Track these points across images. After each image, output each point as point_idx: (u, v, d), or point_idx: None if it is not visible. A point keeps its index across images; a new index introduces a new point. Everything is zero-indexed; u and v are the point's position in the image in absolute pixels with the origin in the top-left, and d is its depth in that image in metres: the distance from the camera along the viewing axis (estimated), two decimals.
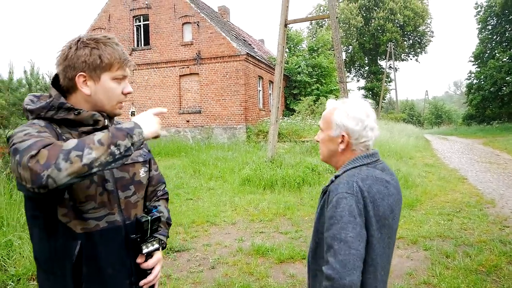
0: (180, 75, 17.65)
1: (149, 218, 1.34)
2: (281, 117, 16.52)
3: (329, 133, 1.48)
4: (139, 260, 1.35)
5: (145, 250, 1.33)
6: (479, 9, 35.79)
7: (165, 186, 1.68)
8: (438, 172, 10.38)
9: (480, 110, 35.66)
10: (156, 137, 1.25)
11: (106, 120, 1.33)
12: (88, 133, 1.28)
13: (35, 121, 1.23)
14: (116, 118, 1.49)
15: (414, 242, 4.83)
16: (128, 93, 1.35)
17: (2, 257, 3.96)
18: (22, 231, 4.58)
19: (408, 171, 9.54)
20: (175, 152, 14.42)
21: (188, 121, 17.51)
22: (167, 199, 1.66)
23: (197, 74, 17.31)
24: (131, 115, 18.55)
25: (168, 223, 1.57)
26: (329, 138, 1.48)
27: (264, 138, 15.50)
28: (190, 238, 5.20)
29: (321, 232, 1.37)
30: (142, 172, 1.45)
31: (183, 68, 17.55)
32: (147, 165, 1.52)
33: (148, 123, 1.21)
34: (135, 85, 18.45)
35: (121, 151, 1.10)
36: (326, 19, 42.02)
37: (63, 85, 1.29)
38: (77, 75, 1.25)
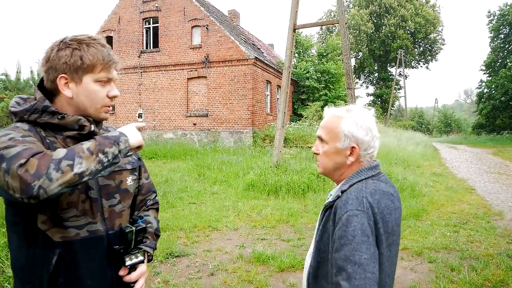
0: (188, 78, 17.70)
1: (134, 228, 1.28)
2: (288, 122, 16.47)
3: (336, 145, 1.35)
4: (121, 272, 1.29)
5: (128, 262, 1.27)
6: (491, 17, 35.50)
7: (156, 196, 1.62)
8: (446, 181, 10.22)
9: (490, 119, 35.24)
10: (139, 147, 1.25)
11: (92, 126, 1.28)
12: (73, 137, 1.25)
13: (18, 124, 1.19)
14: (104, 124, 1.45)
15: (419, 254, 4.72)
16: (114, 96, 1.29)
17: (0, 258, 3.95)
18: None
19: (415, 180, 9.40)
20: (180, 155, 14.43)
21: (195, 124, 17.53)
22: (157, 209, 1.60)
23: (205, 77, 17.34)
24: (139, 117, 18.65)
25: (157, 234, 1.51)
26: (336, 151, 1.36)
27: (270, 143, 15.44)
28: (191, 243, 5.15)
29: (324, 251, 1.29)
30: (129, 180, 1.40)
31: (191, 71, 17.60)
32: (136, 173, 1.46)
33: (132, 133, 1.22)
34: (143, 87, 18.56)
35: (109, 159, 1.10)
36: (337, 25, 42.04)
37: (47, 87, 1.26)
38: (58, 77, 1.22)
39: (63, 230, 1.19)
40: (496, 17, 35.03)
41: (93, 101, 1.26)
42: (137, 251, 1.30)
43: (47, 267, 1.18)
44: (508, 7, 33.50)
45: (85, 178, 1.05)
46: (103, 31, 19.38)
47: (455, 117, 54.03)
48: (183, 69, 17.76)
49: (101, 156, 1.07)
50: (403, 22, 41.82)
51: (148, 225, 1.44)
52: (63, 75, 1.22)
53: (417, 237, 5.33)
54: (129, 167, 1.42)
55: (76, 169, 1.02)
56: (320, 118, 18.42)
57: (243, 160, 11.38)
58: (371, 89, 48.48)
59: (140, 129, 1.28)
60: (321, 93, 21.55)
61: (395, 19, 41.80)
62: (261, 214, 6.64)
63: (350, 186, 1.31)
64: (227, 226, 5.98)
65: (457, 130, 50.46)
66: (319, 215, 1.42)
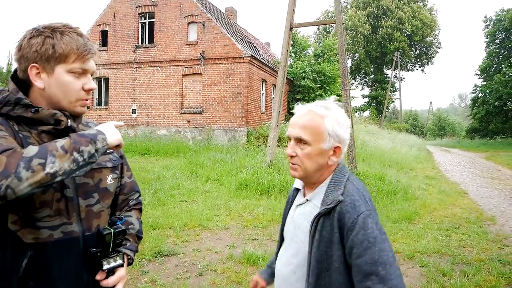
0: (183, 75, 17.56)
1: (112, 230, 1.19)
2: (283, 121, 16.36)
3: (320, 146, 1.27)
4: (98, 277, 1.21)
5: (106, 266, 1.19)
6: (488, 22, 35.75)
7: (139, 196, 1.53)
8: (439, 185, 10.22)
9: (484, 124, 35.54)
10: (118, 146, 1.19)
11: (69, 120, 1.19)
12: (48, 132, 1.17)
13: None
14: (85, 118, 1.36)
15: (411, 258, 4.67)
16: (90, 89, 1.20)
17: None
18: None
19: (408, 182, 9.39)
20: (173, 152, 14.31)
21: (189, 121, 17.40)
22: (140, 210, 1.51)
23: (200, 74, 17.21)
24: (132, 113, 18.48)
25: (138, 236, 1.42)
26: (320, 152, 1.27)
27: (264, 142, 15.36)
28: (180, 242, 5.07)
29: (322, 260, 1.21)
30: (109, 179, 1.31)
31: (187, 67, 17.46)
32: (117, 172, 1.38)
33: (111, 131, 1.16)
34: (137, 82, 18.38)
35: (84, 158, 1.04)
36: (334, 25, 42.05)
37: (21, 78, 1.17)
38: (29, 66, 1.13)
39: (35, 231, 1.11)
40: (492, 22, 35.32)
41: (66, 94, 1.17)
42: (115, 254, 1.21)
43: (16, 271, 1.10)
44: (504, 12, 33.76)
45: (58, 178, 0.99)
46: (98, 25, 19.15)
47: (449, 121, 54.44)
48: (178, 66, 17.61)
49: (76, 155, 1.01)
50: (400, 25, 41.95)
51: (129, 227, 1.36)
52: (34, 64, 1.13)
53: (409, 241, 5.29)
54: (109, 165, 1.33)
55: (48, 168, 0.95)
56: None
57: (236, 159, 11.30)
58: (367, 91, 48.58)
59: (119, 127, 1.22)
60: (317, 93, 21.50)
61: (392, 21, 41.91)
62: (252, 214, 6.57)
63: (344, 186, 1.27)
64: (218, 225, 5.90)
65: (450, 134, 50.81)
66: (304, 225, 1.31)
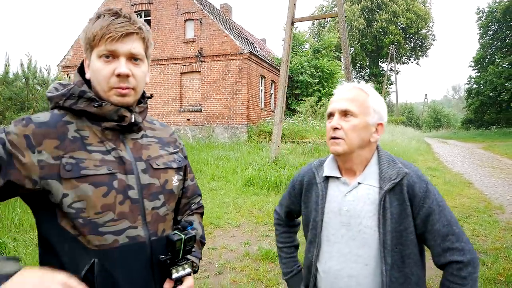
0: (181, 73, 17.44)
1: (183, 236, 1.10)
2: (283, 117, 16.34)
3: (366, 119, 1.28)
4: (166, 286, 1.11)
5: (175, 275, 1.10)
6: (480, 14, 35.91)
7: (201, 199, 1.45)
8: (443, 176, 10.26)
9: (479, 114, 35.84)
10: None
11: (133, 116, 1.12)
12: (112, 129, 1.11)
13: (18, 124, 1.01)
14: (149, 117, 1.29)
15: (426, 250, 4.67)
16: (119, 74, 1.05)
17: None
18: (17, 232, 4.42)
19: None
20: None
21: (188, 120, 17.31)
22: (201, 214, 1.43)
23: (199, 72, 17.11)
24: None
25: (202, 242, 1.33)
26: (365, 125, 1.28)
27: (265, 138, 15.33)
28: None
29: (394, 237, 1.23)
30: (175, 180, 1.21)
31: (185, 65, 17.34)
32: (181, 173, 1.28)
33: None
34: None
35: None
36: (329, 20, 42.04)
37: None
38: (84, 58, 1.10)
39: (99, 237, 1.02)
40: (485, 14, 35.46)
41: (99, 82, 1.07)
42: (184, 262, 1.13)
43: (79, 278, 1.01)
44: (497, 4, 33.91)
45: None
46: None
47: (445, 113, 54.68)
48: (176, 64, 17.48)
49: None
50: (395, 18, 42.04)
51: (195, 233, 1.28)
52: (85, 54, 1.10)
53: None
54: (174, 165, 1.23)
55: None
56: (314, 113, 18.32)
57: (240, 156, 11.26)
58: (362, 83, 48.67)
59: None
60: (315, 88, 21.49)
61: (387, 15, 41.98)
62: (262, 210, 6.55)
63: (398, 161, 1.32)
64: (229, 223, 5.87)
65: (446, 125, 51.09)
66: (365, 209, 1.27)
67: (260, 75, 18.74)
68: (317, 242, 1.37)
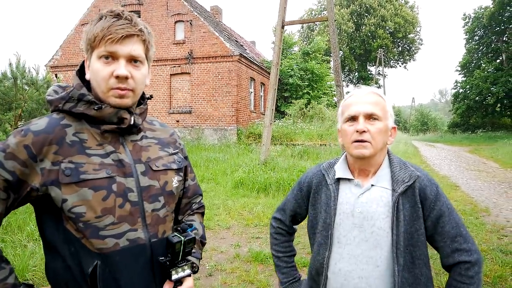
0: (171, 74, 17.36)
1: (183, 238, 1.11)
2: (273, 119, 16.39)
3: (387, 123, 1.33)
4: (166, 287, 1.13)
5: (174, 277, 1.11)
6: (467, 20, 36.61)
7: (202, 199, 1.45)
8: None
9: (465, 118, 36.49)
10: None
11: (132, 118, 1.12)
12: (111, 132, 1.10)
13: (11, 139, 1.01)
14: (150, 117, 1.29)
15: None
16: (118, 76, 1.05)
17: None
18: (5, 234, 4.35)
19: None
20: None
21: (178, 121, 17.23)
22: (202, 214, 1.43)
23: (189, 73, 17.06)
24: None
25: (202, 242, 1.34)
26: (386, 129, 1.33)
27: (255, 140, 15.35)
28: None
29: (406, 239, 1.26)
30: (175, 181, 1.22)
31: (175, 67, 17.27)
32: (181, 174, 1.28)
33: None
34: None
35: None
36: (318, 24, 42.37)
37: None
38: (85, 59, 1.10)
39: (100, 241, 1.03)
40: (471, 19, 36.17)
41: (98, 83, 1.06)
42: (184, 263, 1.13)
43: (83, 279, 1.04)
44: (483, 10, 34.63)
45: None
46: (82, 24, 18.74)
47: (431, 116, 55.50)
48: (166, 65, 17.40)
49: None
50: (383, 22, 42.61)
51: (195, 235, 1.28)
52: (86, 55, 1.10)
53: None
54: (174, 166, 1.23)
55: None
56: (303, 115, 18.41)
57: (229, 158, 11.25)
58: (351, 88, 49.13)
59: None
60: (304, 91, 21.62)
61: (375, 19, 42.53)
62: (252, 213, 6.54)
63: (407, 165, 1.36)
64: (219, 225, 5.85)
65: (433, 129, 51.85)
66: (379, 211, 1.29)
67: (250, 77, 18.77)
68: (329, 244, 1.37)
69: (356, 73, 48.67)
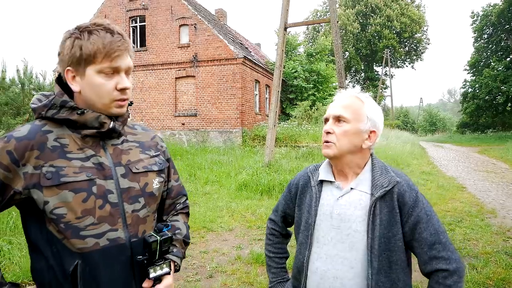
0: (176, 78, 17.47)
1: (159, 238, 1.15)
2: (277, 121, 16.40)
3: (358, 126, 1.32)
4: (145, 285, 1.17)
5: (152, 275, 1.15)
6: (475, 18, 36.17)
7: (186, 199, 1.48)
8: (437, 180, 10.29)
9: (475, 118, 35.98)
10: None
11: (112, 123, 1.16)
12: (92, 136, 1.15)
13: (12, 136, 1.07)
14: (131, 122, 1.33)
15: (413, 257, 4.68)
16: (123, 89, 1.14)
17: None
18: (12, 236, 4.42)
19: None
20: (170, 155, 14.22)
21: (183, 124, 17.31)
22: (187, 214, 1.46)
23: (194, 76, 17.14)
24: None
25: (185, 242, 1.37)
26: (356, 131, 1.32)
27: (260, 142, 15.35)
28: None
29: (382, 243, 1.25)
30: (155, 183, 1.26)
31: (179, 70, 17.37)
32: (163, 175, 1.33)
33: None
34: None
35: None
36: (323, 24, 42.29)
37: (65, 81, 1.15)
38: (65, 70, 1.11)
39: (80, 241, 1.08)
40: (479, 17, 35.73)
41: (99, 96, 1.12)
42: (162, 262, 1.18)
43: (65, 278, 1.08)
44: (491, 7, 34.22)
45: None
46: None
47: (440, 116, 54.94)
48: (171, 69, 17.51)
49: None
50: (389, 22, 42.36)
51: (176, 231, 1.33)
52: (68, 68, 1.11)
53: None
54: (155, 168, 1.28)
55: None
56: (309, 117, 18.36)
57: (234, 160, 11.27)
58: (358, 89, 48.90)
59: None
60: (310, 92, 21.57)
61: (381, 19, 42.31)
62: (255, 214, 6.55)
63: (389, 169, 1.35)
64: (222, 227, 5.87)
65: (442, 129, 51.33)
66: (356, 214, 1.31)
67: (255, 79, 18.80)
68: (308, 243, 1.40)
69: (363, 74, 48.43)
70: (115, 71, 1.12)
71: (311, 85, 21.75)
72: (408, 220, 1.27)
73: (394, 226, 1.26)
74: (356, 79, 49.86)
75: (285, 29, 9.64)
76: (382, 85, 44.12)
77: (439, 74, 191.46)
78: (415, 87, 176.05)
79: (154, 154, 1.31)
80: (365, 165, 1.38)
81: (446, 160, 16.15)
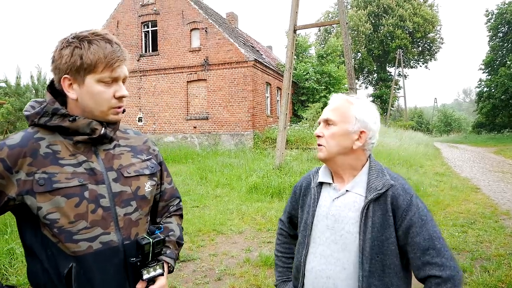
0: (187, 81, 17.64)
1: (151, 240, 1.18)
2: (288, 124, 16.41)
3: (346, 127, 1.34)
4: (139, 286, 1.20)
5: (146, 276, 1.18)
6: (490, 16, 35.50)
7: (180, 201, 1.52)
8: (450, 181, 10.14)
9: (491, 118, 35.23)
10: None
11: (103, 129, 1.20)
12: (83, 142, 1.18)
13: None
14: (123, 126, 1.37)
15: None
16: (121, 97, 1.18)
17: (3, 266, 3.88)
18: (19, 238, 4.51)
19: (419, 179, 9.34)
20: (181, 158, 14.35)
21: (195, 127, 17.45)
22: (180, 216, 1.50)
23: (205, 80, 17.28)
24: (139, 121, 18.56)
25: (179, 243, 1.40)
26: (344, 133, 1.34)
27: (271, 145, 15.36)
28: (196, 247, 5.07)
29: (375, 246, 1.26)
30: (147, 186, 1.29)
31: (191, 74, 17.54)
32: (155, 178, 1.36)
33: None
34: (142, 91, 18.48)
35: None
36: (335, 26, 42.10)
37: (58, 88, 1.19)
38: (62, 78, 1.14)
39: (74, 245, 1.11)
40: (494, 15, 35.06)
41: (98, 103, 1.16)
42: (155, 263, 1.21)
43: (60, 281, 1.11)
44: (506, 5, 33.55)
45: None
46: None
47: (455, 116, 53.96)
48: (182, 72, 17.69)
49: None
50: (402, 22, 41.90)
51: (169, 233, 1.36)
52: (66, 76, 1.14)
53: None
54: (147, 172, 1.31)
55: None
56: None
57: (244, 163, 11.30)
58: (371, 90, 48.50)
59: None
60: (321, 94, 21.48)
61: (394, 19, 41.87)
62: (265, 217, 6.56)
63: (385, 172, 1.35)
64: (231, 229, 5.89)
65: (457, 130, 50.40)
66: (350, 216, 1.32)
67: (266, 82, 18.83)
68: (306, 243, 1.43)
69: (375, 75, 47.97)
70: (114, 80, 1.16)
71: (323, 87, 21.68)
72: (401, 223, 1.26)
73: (387, 229, 1.26)
74: (369, 80, 49.41)
75: (295, 31, 9.65)
76: (395, 86, 43.60)
77: (454, 74, 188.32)
78: (430, 88, 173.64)
79: (146, 158, 1.34)
80: (362, 167, 1.39)
81: (460, 160, 15.88)
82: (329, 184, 1.44)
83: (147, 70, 18.36)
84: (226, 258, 4.67)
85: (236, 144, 16.49)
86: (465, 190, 8.86)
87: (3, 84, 11.05)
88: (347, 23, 9.07)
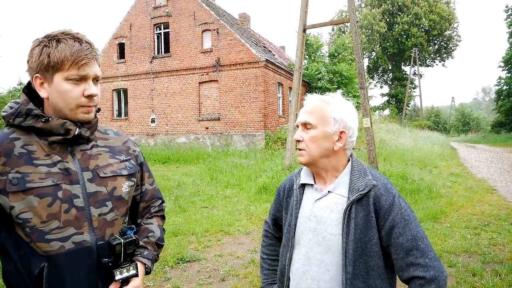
0: (199, 82, 17.75)
1: (123, 241, 1.17)
2: None
3: (325, 129, 1.31)
4: (112, 287, 1.18)
5: (118, 277, 1.16)
6: (509, 12, 34.54)
7: (162, 202, 1.51)
8: (465, 182, 9.89)
9: (510, 117, 34.25)
10: None
11: (77, 129, 1.19)
12: (58, 143, 1.18)
13: None
14: (104, 126, 1.36)
15: (438, 258, 4.51)
16: (91, 95, 1.17)
17: None
18: None
19: (432, 180, 9.13)
20: (193, 159, 14.44)
21: (207, 128, 17.54)
22: (162, 217, 1.49)
23: (217, 81, 17.35)
24: (151, 122, 18.77)
25: (158, 244, 1.38)
26: (324, 135, 1.31)
27: (282, 145, 15.31)
28: (202, 247, 5.07)
29: (358, 248, 1.23)
30: (124, 187, 1.28)
31: (203, 75, 17.63)
32: (134, 179, 1.35)
33: None
34: (155, 92, 18.68)
35: None
36: (348, 25, 41.69)
37: (34, 89, 1.20)
38: (34, 77, 1.16)
39: (46, 244, 1.11)
40: None
41: (66, 102, 1.16)
42: (128, 264, 1.19)
43: (31, 280, 1.11)
44: None
45: None
46: (115, 38, 19.62)
47: (473, 116, 52.75)
48: (194, 73, 17.81)
49: None
50: (417, 20, 41.16)
51: (149, 234, 1.35)
52: (36, 75, 1.15)
53: (436, 240, 5.12)
54: (124, 172, 1.30)
55: None
56: None
57: (255, 163, 11.28)
58: (386, 89, 47.85)
59: None
60: None
61: (409, 17, 41.18)
62: None
63: (368, 172, 1.32)
64: (239, 230, 5.88)
65: (475, 129, 49.25)
66: (332, 217, 1.30)
67: (278, 82, 18.79)
68: (290, 246, 1.41)
69: (390, 74, 47.30)
70: (83, 78, 1.15)
71: (335, 86, 21.51)
72: (384, 224, 1.24)
73: (370, 231, 1.24)
74: (384, 79, 48.74)
75: (304, 30, 9.59)
76: (410, 85, 42.90)
77: (472, 72, 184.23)
78: (447, 86, 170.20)
79: (124, 158, 1.34)
80: (344, 168, 1.36)
81: (477, 161, 15.49)
82: (311, 185, 1.41)
83: (160, 72, 18.55)
84: (232, 259, 4.66)
85: (247, 144, 16.49)
86: (481, 191, 8.63)
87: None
88: (357, 21, 8.96)
